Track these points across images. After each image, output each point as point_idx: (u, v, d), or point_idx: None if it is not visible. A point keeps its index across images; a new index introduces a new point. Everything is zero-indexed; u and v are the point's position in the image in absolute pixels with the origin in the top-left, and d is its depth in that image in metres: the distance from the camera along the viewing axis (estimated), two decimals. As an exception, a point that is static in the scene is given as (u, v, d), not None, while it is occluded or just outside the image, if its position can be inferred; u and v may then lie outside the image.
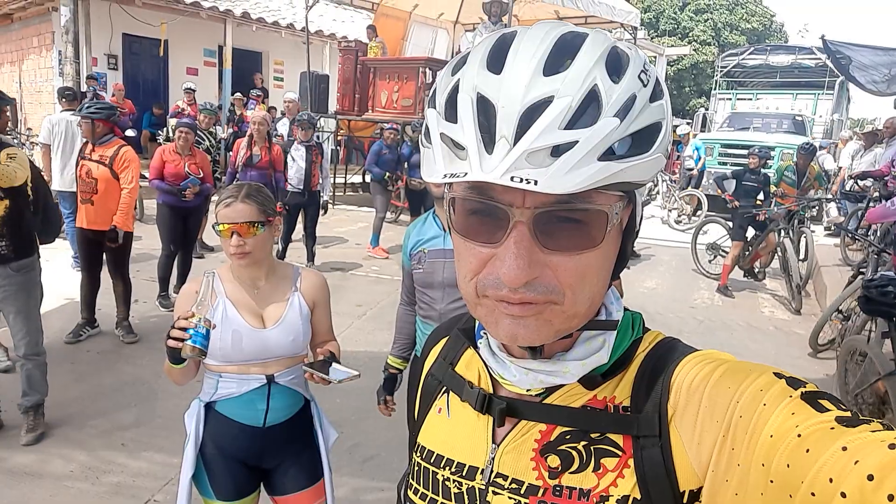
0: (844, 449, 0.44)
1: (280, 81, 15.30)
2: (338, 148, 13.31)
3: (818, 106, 15.05)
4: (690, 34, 29.98)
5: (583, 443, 0.63)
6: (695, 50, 28.08)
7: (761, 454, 0.49)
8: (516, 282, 0.55)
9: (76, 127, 5.41)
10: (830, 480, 0.43)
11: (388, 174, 7.74)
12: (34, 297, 3.35)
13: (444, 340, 0.84)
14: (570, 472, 0.62)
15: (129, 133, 10.52)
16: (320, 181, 6.51)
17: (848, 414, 0.49)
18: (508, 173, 0.51)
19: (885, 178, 7.07)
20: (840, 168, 11.79)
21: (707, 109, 16.88)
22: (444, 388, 0.78)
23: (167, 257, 5.35)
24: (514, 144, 0.51)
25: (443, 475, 0.72)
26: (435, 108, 0.59)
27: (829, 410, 0.49)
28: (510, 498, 0.64)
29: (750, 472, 0.50)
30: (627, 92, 0.54)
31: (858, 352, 3.87)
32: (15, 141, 3.97)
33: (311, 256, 6.83)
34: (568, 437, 0.64)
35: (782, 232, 6.92)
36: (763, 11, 31.97)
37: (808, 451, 0.46)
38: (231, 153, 6.00)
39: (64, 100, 6.46)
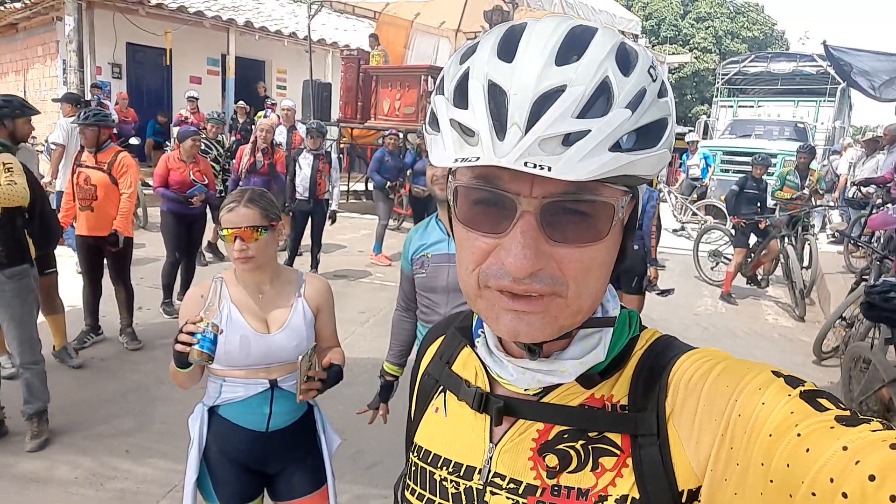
0: (845, 448, 0.44)
1: (283, 90, 15.36)
2: (340, 156, 13.36)
3: (820, 113, 15.07)
4: (691, 41, 30.08)
5: (581, 442, 0.63)
6: (696, 58, 28.17)
7: (760, 453, 0.49)
8: (522, 272, 0.55)
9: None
10: (831, 480, 0.43)
11: (389, 182, 7.76)
12: (28, 305, 3.33)
13: (440, 339, 0.84)
14: (569, 472, 0.62)
15: (133, 141, 10.57)
16: (327, 189, 6.52)
17: (847, 413, 0.49)
18: (522, 158, 0.51)
19: (889, 185, 7.07)
20: (839, 175, 11.81)
21: (709, 117, 16.91)
22: (441, 387, 0.77)
23: (171, 265, 5.37)
24: (526, 131, 0.51)
25: (440, 475, 0.71)
26: (443, 94, 0.59)
27: (828, 409, 0.49)
28: (508, 498, 0.64)
29: (749, 471, 0.49)
30: (638, 85, 0.54)
31: (862, 359, 3.86)
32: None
33: (314, 263, 6.84)
34: (566, 436, 0.64)
35: (784, 239, 6.93)
36: (764, 20, 32.11)
37: (808, 450, 0.46)
38: (234, 160, 6.02)
39: (69, 104, 6.51)
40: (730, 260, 7.42)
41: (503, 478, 0.65)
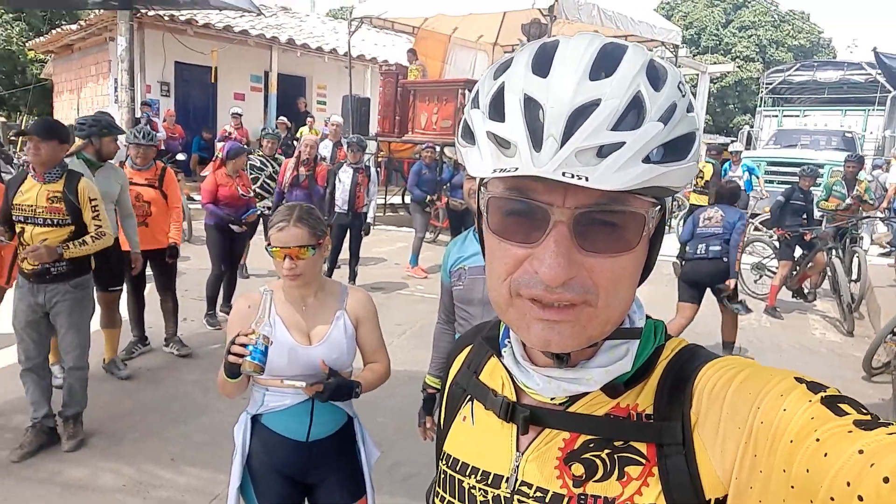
0: (861, 452, 0.44)
1: (323, 105, 15.67)
2: (378, 169, 13.54)
3: (868, 122, 14.61)
4: (733, 50, 29.56)
5: (606, 451, 0.63)
6: (739, 67, 27.66)
7: (782, 460, 0.49)
8: (556, 280, 0.56)
9: None
10: (848, 484, 0.43)
11: (429, 196, 7.83)
12: (87, 313, 3.51)
13: (468, 349, 0.85)
14: (595, 481, 0.62)
15: (180, 157, 10.93)
16: (366, 203, 6.61)
17: (867, 417, 0.49)
18: (560, 169, 0.52)
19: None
20: (889, 186, 11.40)
21: (752, 127, 16.56)
22: (469, 396, 0.78)
23: (217, 277, 5.51)
24: (562, 144, 0.53)
25: (468, 483, 0.72)
26: (478, 108, 0.60)
27: (847, 414, 0.49)
28: None
29: (772, 478, 0.50)
30: (669, 100, 0.56)
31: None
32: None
33: (352, 276, 6.93)
34: (591, 445, 0.64)
35: (832, 251, 6.73)
36: (811, 28, 31.36)
37: (826, 455, 0.46)
38: (278, 174, 6.16)
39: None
40: (774, 273, 7.24)
41: (530, 486, 0.66)
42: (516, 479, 0.67)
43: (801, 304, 7.33)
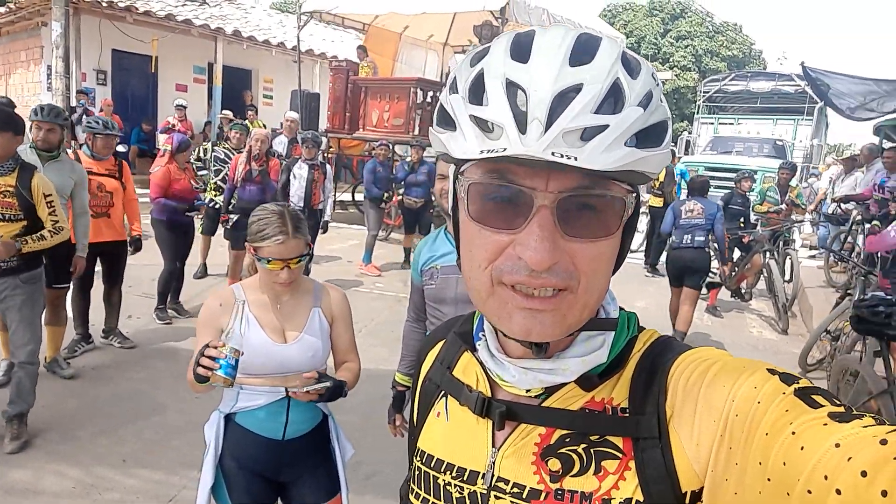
0: (837, 446, 0.45)
1: (269, 99, 15.36)
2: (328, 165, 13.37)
3: (798, 131, 15.42)
4: (671, 59, 30.65)
5: (582, 445, 0.63)
6: (676, 75, 28.71)
7: (758, 453, 0.49)
8: (542, 264, 0.55)
9: None
10: (825, 478, 0.44)
11: (385, 194, 7.79)
12: (38, 307, 3.41)
13: (440, 344, 0.84)
14: (572, 476, 0.62)
15: (120, 149, 10.44)
16: (322, 199, 6.52)
17: (841, 409, 0.49)
18: (549, 149, 0.53)
19: (867, 202, 7.27)
20: (819, 189, 12.11)
21: (690, 133, 17.21)
22: (443, 392, 0.78)
23: (170, 273, 5.35)
24: (547, 126, 0.53)
25: (443, 480, 0.71)
26: (458, 93, 0.60)
27: (822, 406, 0.49)
28: (512, 502, 0.64)
29: (747, 471, 0.50)
30: (646, 87, 0.57)
31: (849, 371, 3.96)
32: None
33: (306, 273, 6.82)
34: (568, 439, 0.64)
35: (767, 254, 7.07)
36: (743, 39, 32.85)
37: (802, 448, 0.46)
38: (229, 169, 6.01)
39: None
40: (715, 274, 7.55)
41: (506, 482, 0.66)
42: (493, 475, 0.67)
43: (739, 304, 7.68)
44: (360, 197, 10.81)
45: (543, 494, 0.63)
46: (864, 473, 0.42)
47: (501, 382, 0.69)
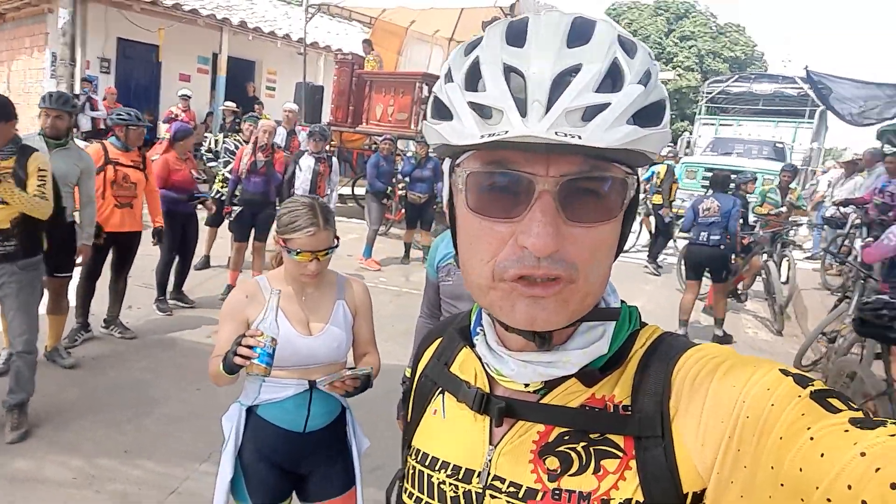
0: (863, 454, 0.43)
1: (272, 91, 15.33)
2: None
3: (798, 134, 15.44)
4: (674, 60, 30.64)
5: (582, 444, 0.61)
6: (678, 75, 28.71)
7: (771, 457, 0.48)
8: (545, 249, 0.54)
9: None
10: (849, 487, 0.42)
11: (389, 188, 7.81)
12: (35, 295, 3.39)
13: (437, 341, 0.83)
14: (570, 475, 0.61)
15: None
16: (327, 192, 6.54)
17: (860, 414, 0.48)
18: (553, 129, 0.52)
19: (866, 206, 7.31)
20: (815, 192, 12.16)
21: (691, 134, 17.22)
22: (440, 388, 0.76)
23: (166, 263, 5.36)
24: (548, 108, 0.52)
25: (438, 478, 0.70)
26: (453, 82, 0.59)
27: (840, 411, 0.48)
28: (508, 501, 0.63)
29: (757, 474, 0.49)
30: (644, 66, 0.57)
31: (847, 373, 4.00)
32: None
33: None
34: (567, 437, 0.62)
35: (766, 255, 7.12)
36: (746, 41, 32.82)
37: (822, 455, 0.45)
38: (234, 160, 6.03)
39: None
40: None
41: (503, 481, 0.64)
42: (489, 474, 0.65)
43: (734, 305, 7.71)
44: (359, 191, 10.83)
45: (540, 494, 0.61)
46: (893, 486, 0.41)
47: (500, 378, 0.68)
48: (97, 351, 4.50)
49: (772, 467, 0.47)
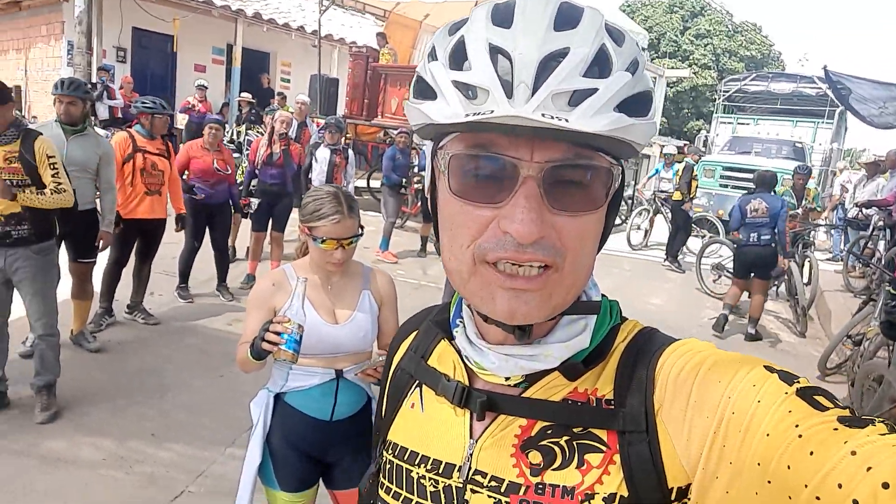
0: (854, 453, 0.42)
1: (287, 83, 15.33)
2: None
3: (818, 134, 15.26)
4: (691, 58, 30.44)
5: (565, 438, 0.61)
6: (694, 73, 28.51)
7: (757, 453, 0.47)
8: (529, 236, 0.53)
9: None
10: (840, 486, 0.42)
11: (404, 180, 7.77)
12: (51, 279, 3.40)
13: (413, 334, 0.81)
14: (553, 469, 0.60)
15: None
16: (343, 184, 6.51)
17: (847, 412, 0.47)
18: (539, 111, 0.50)
19: (890, 208, 7.21)
20: (831, 195, 12.01)
21: (708, 132, 17.07)
22: (417, 382, 0.74)
23: (189, 252, 5.36)
24: (534, 90, 0.51)
25: (417, 473, 0.68)
26: (437, 60, 0.58)
27: (828, 409, 0.47)
28: (490, 496, 0.61)
29: (743, 470, 0.48)
30: (632, 54, 0.56)
31: (874, 377, 3.94)
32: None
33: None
34: (549, 431, 0.61)
35: (789, 256, 7.02)
36: (762, 40, 32.56)
37: (811, 453, 0.44)
38: (249, 151, 6.00)
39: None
40: (732, 274, 7.50)
41: (484, 475, 0.63)
42: (470, 468, 0.64)
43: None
44: (374, 184, 10.81)
45: (523, 488, 0.60)
46: (885, 485, 0.40)
47: (480, 371, 0.66)
48: (121, 336, 4.54)
49: (758, 464, 0.47)
